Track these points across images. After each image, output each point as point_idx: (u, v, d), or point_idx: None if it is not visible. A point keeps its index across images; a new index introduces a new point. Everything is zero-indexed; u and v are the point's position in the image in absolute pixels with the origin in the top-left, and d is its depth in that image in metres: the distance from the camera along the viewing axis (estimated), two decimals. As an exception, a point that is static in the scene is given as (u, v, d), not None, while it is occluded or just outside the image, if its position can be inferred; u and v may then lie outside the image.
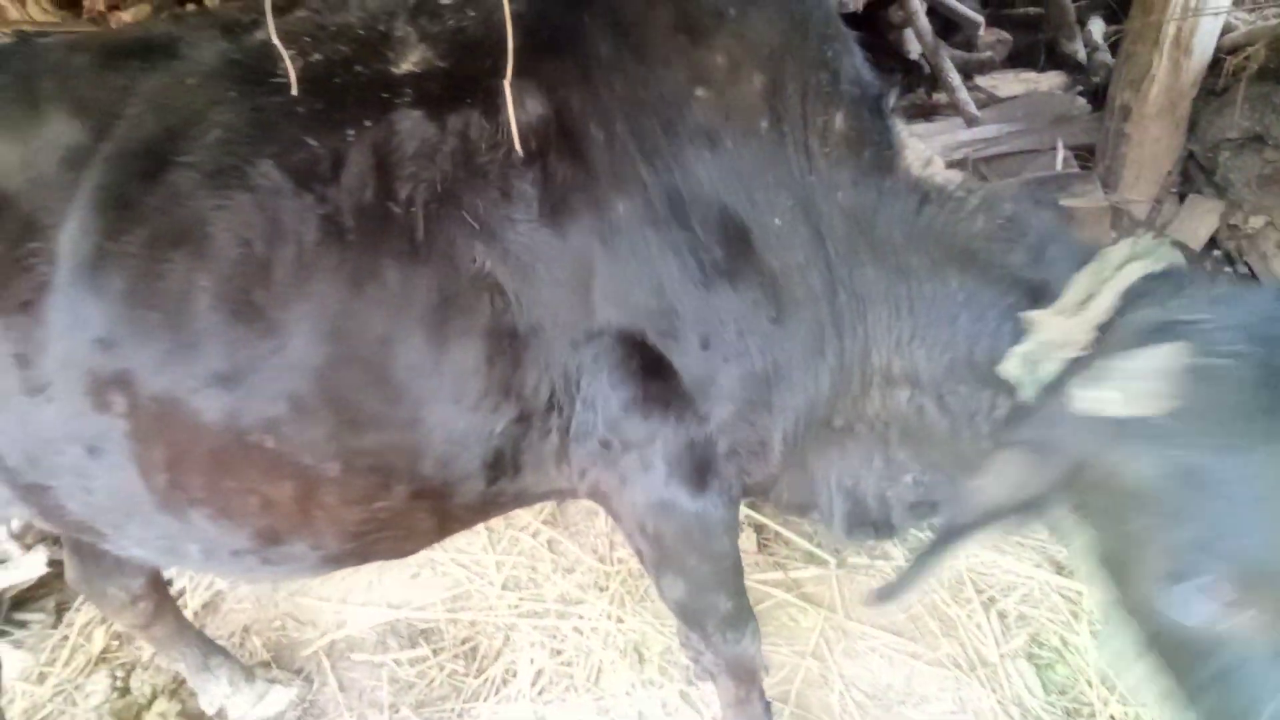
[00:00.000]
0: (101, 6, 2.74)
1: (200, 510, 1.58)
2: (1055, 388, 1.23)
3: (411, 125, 1.49)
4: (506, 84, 1.38)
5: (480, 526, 3.21)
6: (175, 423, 1.49)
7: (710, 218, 1.51)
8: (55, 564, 3.11)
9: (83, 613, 2.99)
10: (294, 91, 1.46)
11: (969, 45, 3.38)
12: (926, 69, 3.49)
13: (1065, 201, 2.56)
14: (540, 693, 2.64)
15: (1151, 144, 2.68)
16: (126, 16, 2.68)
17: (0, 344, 1.48)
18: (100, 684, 2.69)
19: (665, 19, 1.54)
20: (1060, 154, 2.95)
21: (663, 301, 1.52)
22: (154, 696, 2.66)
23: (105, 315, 1.45)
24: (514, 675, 2.69)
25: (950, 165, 3.42)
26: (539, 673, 2.69)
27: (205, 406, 1.48)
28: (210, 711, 2.57)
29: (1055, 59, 3.62)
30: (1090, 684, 2.51)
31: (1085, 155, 3.23)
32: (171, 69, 1.58)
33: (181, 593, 3.00)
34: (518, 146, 1.44)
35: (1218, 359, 1.01)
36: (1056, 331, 1.28)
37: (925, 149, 1.49)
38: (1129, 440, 1.06)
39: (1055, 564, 2.97)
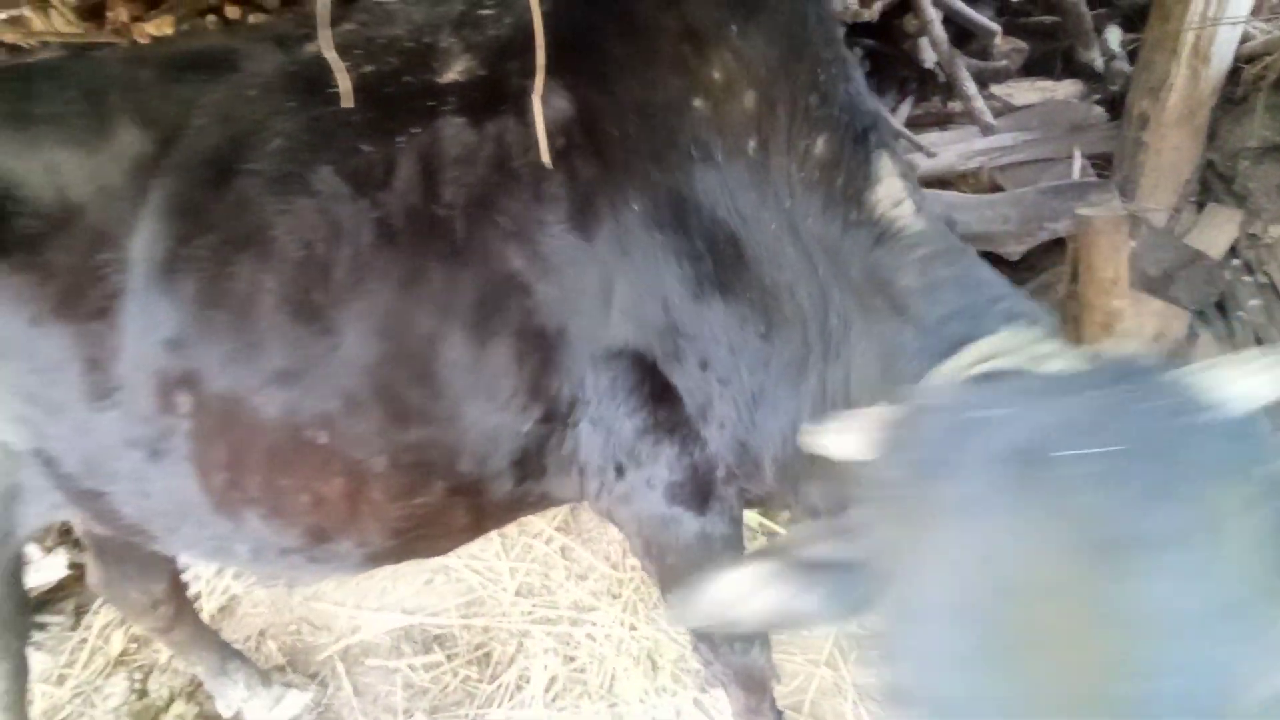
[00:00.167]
0: (125, 18, 2.78)
1: (254, 510, 1.63)
2: None
3: (454, 132, 1.55)
4: (536, 98, 1.42)
5: (493, 533, 3.22)
6: (236, 421, 1.56)
7: (705, 228, 1.54)
8: (75, 567, 3.14)
9: (101, 615, 3.02)
10: (349, 103, 1.51)
11: (984, 54, 3.38)
12: (941, 78, 3.49)
13: (1082, 210, 2.55)
14: (554, 699, 2.64)
15: (1170, 152, 2.67)
16: (149, 29, 2.72)
17: (70, 352, 1.54)
18: (119, 686, 2.71)
19: (674, 26, 1.55)
20: (1077, 162, 2.94)
21: (669, 316, 1.55)
22: (171, 699, 2.68)
23: (176, 317, 1.52)
24: (527, 682, 2.70)
25: (965, 174, 3.44)
26: (552, 679, 2.69)
27: (265, 404, 1.54)
28: (227, 715, 2.59)
29: (1071, 67, 3.61)
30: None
31: (1102, 164, 3.22)
32: (232, 81, 1.65)
33: (197, 596, 3.02)
34: (546, 159, 1.48)
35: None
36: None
37: (903, 189, 1.44)
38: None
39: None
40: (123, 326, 1.53)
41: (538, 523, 3.32)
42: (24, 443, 1.62)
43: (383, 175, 1.54)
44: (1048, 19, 3.69)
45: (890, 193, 1.43)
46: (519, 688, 2.69)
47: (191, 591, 3.00)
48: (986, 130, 3.11)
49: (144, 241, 1.53)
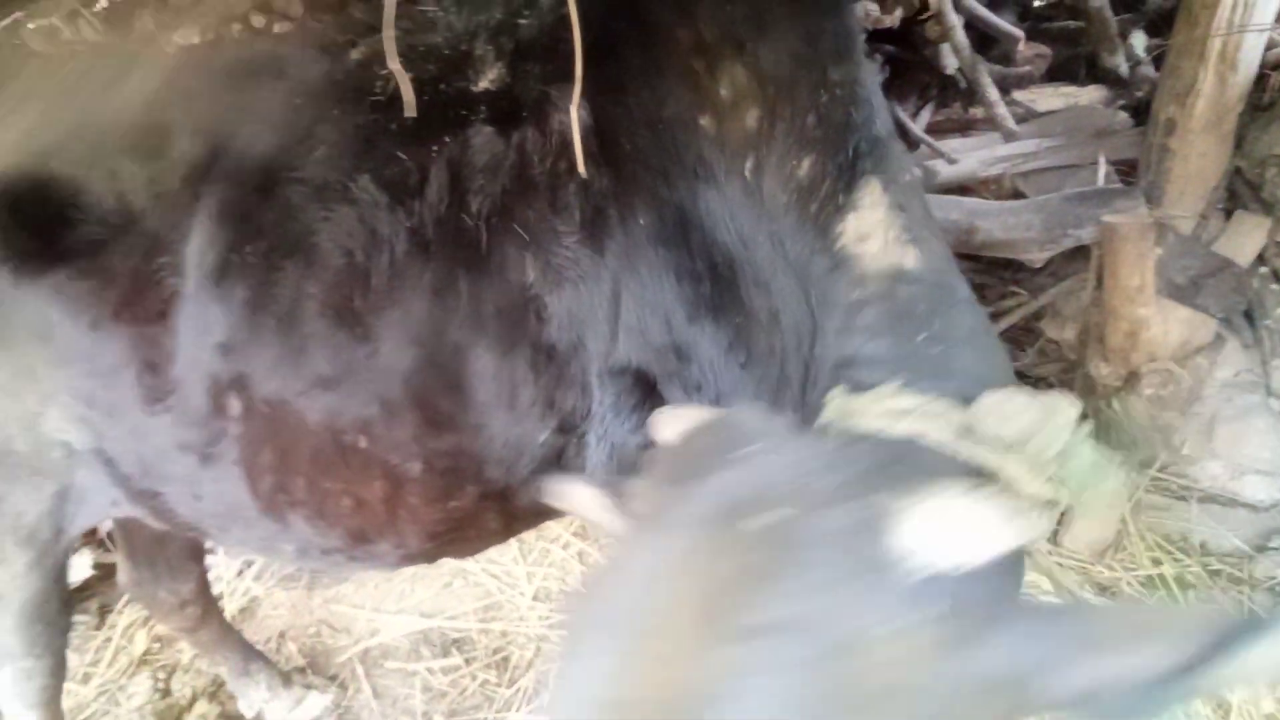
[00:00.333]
0: (152, 27, 2.82)
1: (299, 512, 1.67)
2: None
3: (483, 141, 1.55)
4: (574, 109, 1.41)
5: (511, 538, 3.23)
6: (282, 425, 1.58)
7: (706, 248, 1.52)
8: (99, 567, 3.19)
9: (125, 615, 3.06)
10: (411, 113, 1.51)
11: (1007, 59, 3.35)
12: (963, 84, 3.47)
13: (1108, 217, 2.52)
14: (572, 704, 2.64)
15: (1197, 159, 2.64)
16: (177, 38, 2.75)
17: (128, 355, 1.57)
18: (142, 685, 2.74)
19: (688, 39, 1.53)
20: (1102, 169, 2.91)
21: (669, 336, 1.54)
22: (194, 699, 2.71)
23: (227, 322, 1.55)
24: (546, 686, 2.70)
25: (987, 180, 3.42)
26: (571, 684, 2.69)
27: (309, 408, 1.57)
28: (249, 715, 2.61)
29: (1095, 73, 3.58)
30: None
31: (1127, 170, 3.19)
32: (279, 88, 1.67)
33: (219, 598, 3.05)
34: (581, 169, 1.47)
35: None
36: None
37: (881, 222, 1.34)
38: None
39: (1097, 586, 2.91)
40: (177, 331, 1.56)
41: (555, 527, 3.33)
42: (85, 443, 1.66)
43: (417, 184, 1.55)
44: (1071, 24, 3.66)
45: (860, 226, 1.35)
46: (537, 692, 2.69)
47: (213, 593, 3.04)
48: (1009, 136, 3.09)
49: (197, 247, 1.56)
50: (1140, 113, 3.39)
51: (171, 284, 1.56)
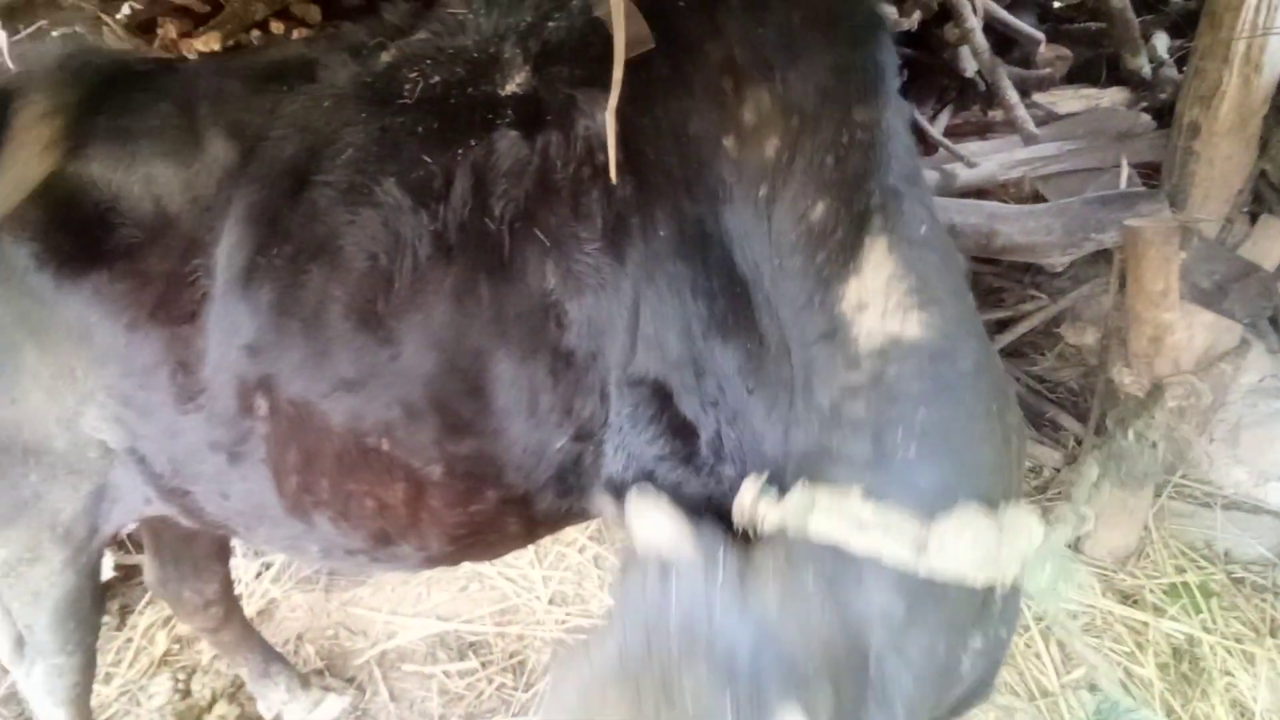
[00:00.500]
0: (174, 35, 2.84)
1: (324, 512, 1.69)
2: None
3: (508, 145, 1.55)
4: (610, 114, 1.39)
5: (528, 541, 3.23)
6: (307, 426, 1.60)
7: (723, 267, 1.51)
8: (120, 569, 3.22)
9: (145, 616, 3.09)
10: (614, 177, 1.47)
11: (1026, 62, 3.32)
12: (982, 86, 3.44)
13: (1131, 221, 2.49)
14: (588, 709, 2.64)
15: (1222, 162, 2.59)
16: (198, 44, 2.78)
17: (161, 356, 1.61)
18: (163, 686, 2.77)
19: (718, 56, 1.51)
20: (1124, 172, 2.88)
21: (686, 350, 1.53)
22: (214, 700, 2.73)
23: (254, 323, 1.57)
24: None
25: (1006, 184, 3.38)
26: (587, 689, 2.69)
27: (332, 410, 1.59)
28: (268, 717, 2.63)
29: (1116, 74, 3.54)
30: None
31: (1149, 173, 3.15)
32: (309, 91, 1.69)
33: (238, 598, 3.08)
34: (613, 174, 1.46)
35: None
36: (742, 499, 1.36)
37: (882, 290, 1.30)
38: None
39: (1120, 594, 2.88)
40: (208, 332, 1.58)
41: (570, 532, 3.33)
42: (120, 442, 1.69)
43: (441, 188, 1.55)
44: (1092, 25, 3.63)
45: (860, 293, 1.32)
46: (553, 697, 2.69)
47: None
48: (1029, 139, 3.06)
49: (227, 249, 1.58)
50: (1163, 115, 3.35)
51: (203, 285, 1.58)
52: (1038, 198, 3.38)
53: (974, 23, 3.07)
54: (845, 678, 1.10)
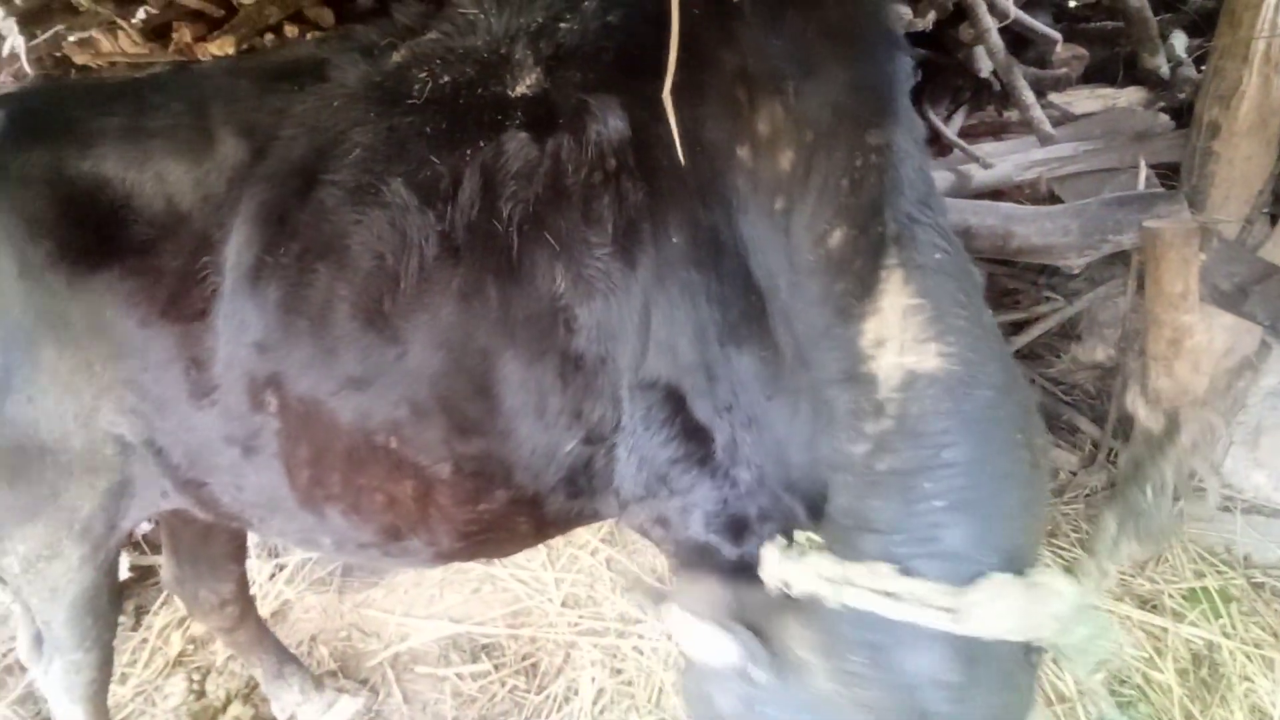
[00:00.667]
0: (188, 39, 2.86)
1: (335, 506, 1.70)
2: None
3: (517, 146, 1.55)
4: (666, 96, 1.37)
5: (539, 543, 3.23)
6: (317, 422, 1.62)
7: (738, 276, 1.51)
8: (136, 569, 3.24)
9: (160, 616, 3.11)
10: (682, 161, 1.46)
11: (1042, 61, 3.28)
12: (997, 86, 3.41)
13: (1150, 222, 2.47)
14: (601, 712, 2.63)
15: (1242, 162, 2.57)
16: (212, 48, 2.79)
17: (175, 351, 1.63)
18: (178, 686, 2.78)
19: (732, 65, 1.50)
20: (1143, 173, 2.85)
21: (699, 354, 1.53)
22: (229, 700, 2.74)
23: (262, 321, 1.59)
24: (575, 693, 2.69)
25: (1021, 185, 3.35)
26: (600, 691, 2.68)
27: (341, 407, 1.60)
28: (282, 718, 2.64)
29: (1134, 74, 3.50)
30: (1176, 727, 2.40)
31: (1168, 174, 3.12)
32: (320, 91, 1.70)
33: (252, 599, 3.09)
34: (681, 156, 1.43)
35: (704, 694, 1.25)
36: (767, 563, 1.35)
37: (898, 323, 1.29)
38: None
39: (1139, 599, 2.85)
40: (218, 329, 1.60)
41: (583, 534, 3.32)
42: (136, 435, 1.71)
43: (449, 188, 1.56)
44: (1109, 24, 3.59)
45: (879, 327, 1.31)
46: (567, 699, 2.69)
47: (247, 595, 3.07)
48: (1045, 140, 3.03)
49: (236, 247, 1.60)
50: (1181, 115, 3.32)
51: (213, 283, 1.60)
52: (1054, 199, 3.35)
53: (989, 22, 3.04)
54: None
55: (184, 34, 2.86)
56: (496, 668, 2.83)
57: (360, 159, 1.60)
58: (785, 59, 1.45)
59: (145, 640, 3.01)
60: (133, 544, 3.31)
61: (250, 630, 2.56)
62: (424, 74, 1.65)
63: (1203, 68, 3.17)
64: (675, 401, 1.56)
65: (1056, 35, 3.14)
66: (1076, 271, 3.28)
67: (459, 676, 2.80)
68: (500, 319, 1.54)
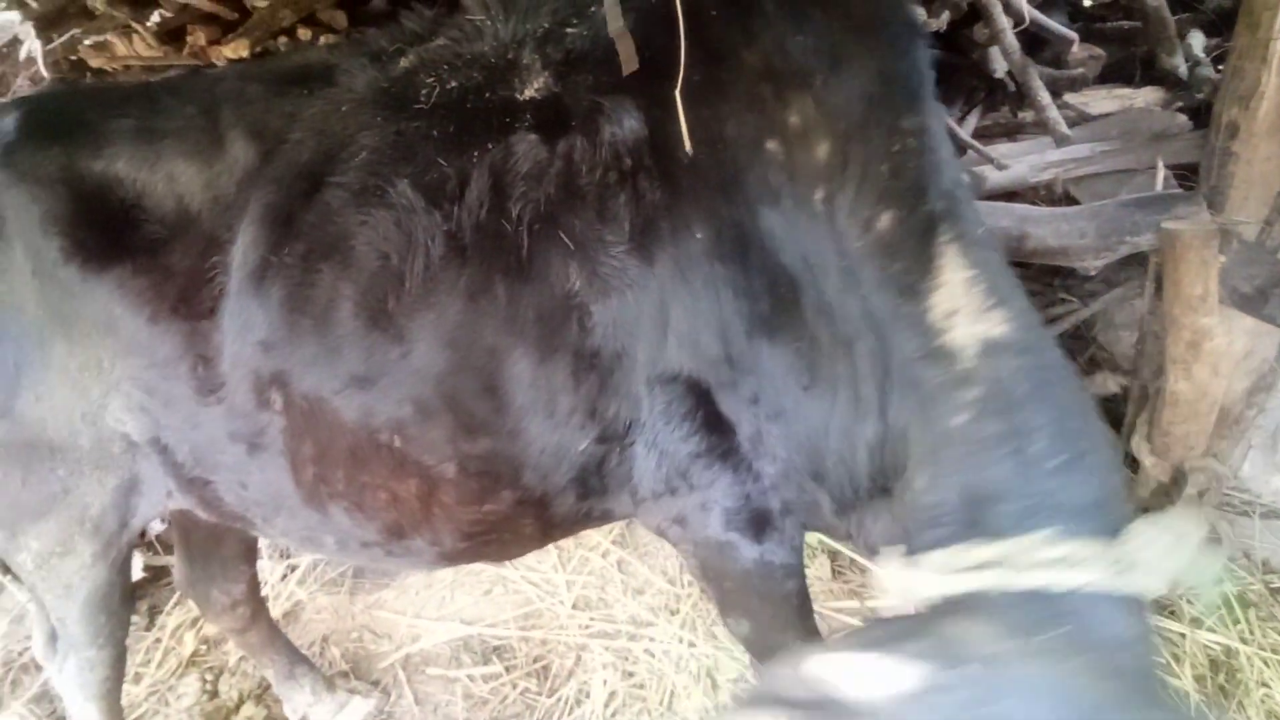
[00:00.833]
0: (203, 42, 2.87)
1: (339, 504, 1.72)
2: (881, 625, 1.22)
3: (527, 148, 1.57)
4: (678, 94, 1.42)
5: (549, 545, 3.23)
6: (321, 421, 1.64)
7: (766, 267, 1.52)
8: (149, 569, 3.26)
9: (174, 616, 3.12)
10: (689, 149, 1.50)
11: (1058, 62, 3.26)
12: (1011, 87, 3.38)
13: (1169, 224, 2.44)
14: (613, 714, 2.63)
15: (1261, 163, 2.53)
16: (227, 51, 2.80)
17: (182, 349, 1.66)
18: (191, 686, 2.79)
19: (754, 63, 1.53)
20: (1160, 174, 2.82)
21: (724, 348, 1.54)
22: (241, 700, 2.75)
23: (267, 320, 1.61)
24: (587, 696, 2.69)
25: (1037, 186, 3.32)
26: (612, 694, 2.68)
27: (344, 406, 1.62)
28: (294, 719, 2.64)
29: (1151, 74, 3.47)
30: (1195, 735, 2.37)
31: (1186, 175, 3.08)
32: (328, 96, 1.72)
33: (264, 600, 3.10)
34: (688, 146, 1.47)
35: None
36: (899, 580, 1.24)
37: (963, 293, 1.33)
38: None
39: (1156, 605, 2.82)
40: (225, 327, 1.63)
41: (594, 536, 3.32)
42: (143, 433, 1.73)
43: (456, 189, 1.57)
44: (1126, 24, 3.56)
45: (947, 300, 1.34)
46: (578, 702, 2.68)
47: (260, 596, 3.08)
48: (1061, 140, 3.00)
49: (243, 248, 1.62)
50: (1199, 115, 3.28)
51: (221, 282, 1.63)
52: (1069, 200, 3.32)
53: (1004, 23, 3.02)
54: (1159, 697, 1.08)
55: (198, 37, 2.88)
56: (508, 670, 2.83)
57: (367, 161, 1.62)
58: (812, 54, 1.49)
59: (159, 640, 3.03)
60: (146, 544, 3.33)
61: (262, 631, 2.57)
62: (431, 79, 1.67)
63: (1221, 68, 3.14)
64: (697, 395, 1.57)
65: (1073, 35, 3.12)
66: (1093, 273, 3.24)
67: (470, 678, 2.81)
68: (509, 317, 1.56)
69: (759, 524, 1.66)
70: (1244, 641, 2.66)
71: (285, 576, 3.31)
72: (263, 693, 2.78)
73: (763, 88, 1.51)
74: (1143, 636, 1.12)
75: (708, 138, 1.52)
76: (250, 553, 2.50)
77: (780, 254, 1.51)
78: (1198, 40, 3.50)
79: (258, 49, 2.81)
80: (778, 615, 1.81)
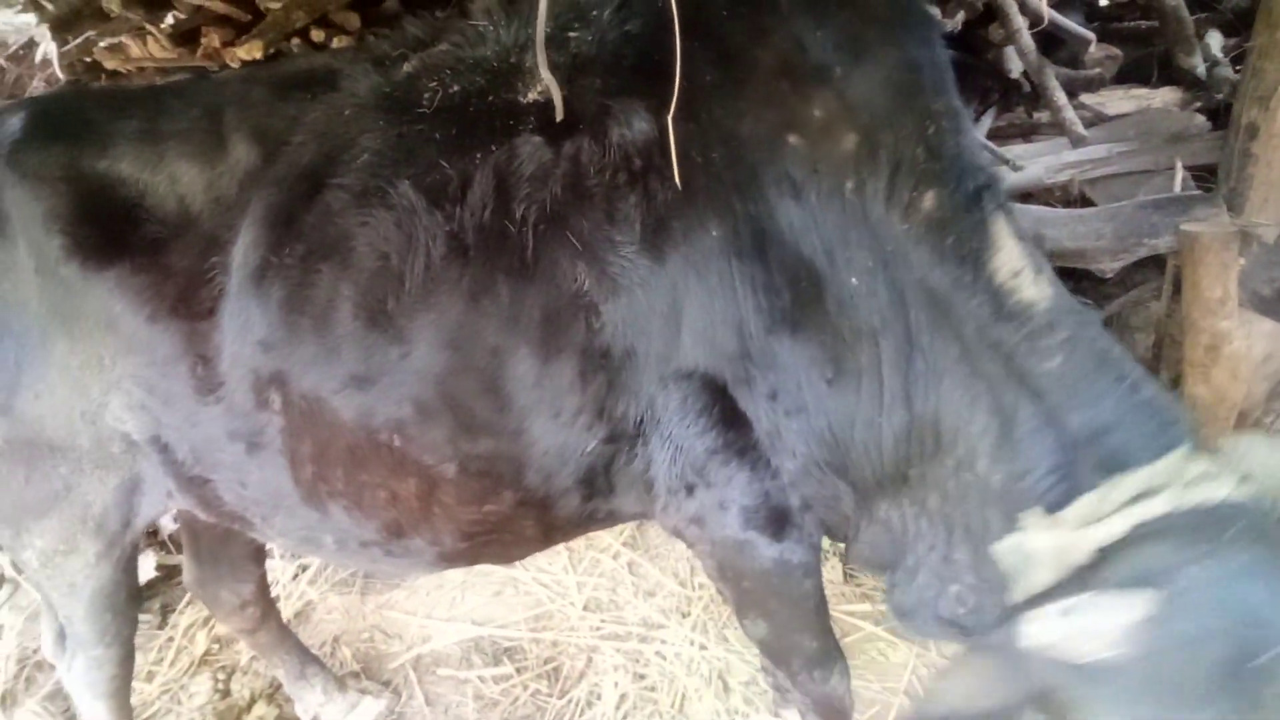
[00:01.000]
0: (217, 44, 2.88)
1: (338, 502, 1.72)
2: (1041, 599, 1.18)
3: (531, 150, 1.57)
4: (669, 118, 1.43)
5: (560, 546, 3.22)
6: (320, 420, 1.64)
7: (786, 262, 1.52)
8: (162, 568, 3.27)
9: (186, 615, 3.13)
10: (560, 116, 1.55)
11: (1074, 62, 3.23)
12: (1026, 87, 3.36)
13: (1188, 226, 2.41)
14: (624, 717, 2.62)
15: (1281, 164, 2.51)
16: (241, 53, 2.81)
17: (182, 348, 1.66)
18: (203, 685, 2.80)
19: (769, 61, 1.54)
20: (1179, 174, 2.79)
21: (741, 344, 1.54)
22: (253, 700, 2.75)
23: (266, 320, 1.62)
24: (598, 698, 2.68)
25: (1054, 187, 3.29)
26: (623, 696, 2.67)
27: (343, 405, 1.62)
28: (305, 718, 2.65)
29: (1168, 74, 3.43)
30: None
31: (1205, 176, 3.05)
32: (331, 100, 1.73)
33: (275, 600, 3.10)
34: (677, 180, 1.48)
35: (1186, 625, 1.03)
36: (1051, 542, 1.23)
37: (1020, 255, 1.41)
38: (1086, 682, 1.05)
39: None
40: (224, 327, 1.63)
41: (605, 537, 3.31)
42: (142, 431, 1.73)
43: (459, 191, 1.58)
44: (1143, 24, 3.52)
45: (1009, 260, 1.40)
46: (589, 704, 2.67)
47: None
48: (1077, 141, 2.98)
49: (243, 248, 1.63)
50: (1217, 116, 3.25)
51: (220, 282, 1.63)
52: (1085, 202, 3.29)
53: (1020, 22, 3.00)
54: None
55: (212, 39, 2.89)
56: (518, 671, 2.82)
57: (368, 164, 1.63)
58: (831, 47, 1.51)
59: (171, 639, 3.04)
60: (159, 543, 3.35)
61: (272, 631, 2.57)
62: (434, 83, 1.68)
63: (1239, 68, 3.10)
64: (713, 391, 1.57)
65: (1090, 35, 3.09)
66: (1109, 276, 3.21)
67: (480, 679, 2.80)
68: (512, 318, 1.56)
69: (778, 522, 1.66)
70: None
71: (296, 576, 3.32)
72: (274, 692, 2.78)
73: (779, 84, 1.52)
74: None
75: (721, 137, 1.53)
76: (259, 553, 2.51)
77: (802, 248, 1.51)
78: (1216, 40, 3.46)
79: (271, 50, 2.82)
80: (795, 616, 1.81)
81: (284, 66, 2.48)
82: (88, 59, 3.18)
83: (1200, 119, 3.23)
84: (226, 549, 2.39)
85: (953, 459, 1.48)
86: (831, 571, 3.01)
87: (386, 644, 3.02)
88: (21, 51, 4.51)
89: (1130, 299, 3.76)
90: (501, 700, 2.73)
